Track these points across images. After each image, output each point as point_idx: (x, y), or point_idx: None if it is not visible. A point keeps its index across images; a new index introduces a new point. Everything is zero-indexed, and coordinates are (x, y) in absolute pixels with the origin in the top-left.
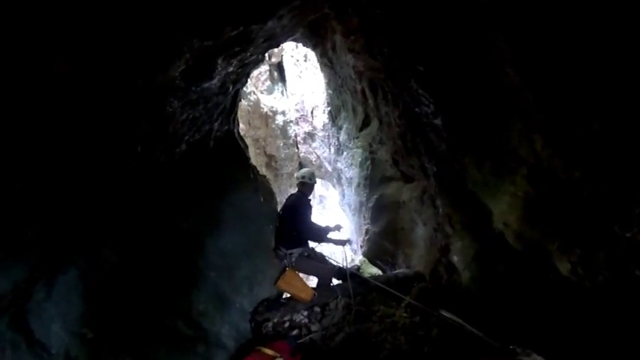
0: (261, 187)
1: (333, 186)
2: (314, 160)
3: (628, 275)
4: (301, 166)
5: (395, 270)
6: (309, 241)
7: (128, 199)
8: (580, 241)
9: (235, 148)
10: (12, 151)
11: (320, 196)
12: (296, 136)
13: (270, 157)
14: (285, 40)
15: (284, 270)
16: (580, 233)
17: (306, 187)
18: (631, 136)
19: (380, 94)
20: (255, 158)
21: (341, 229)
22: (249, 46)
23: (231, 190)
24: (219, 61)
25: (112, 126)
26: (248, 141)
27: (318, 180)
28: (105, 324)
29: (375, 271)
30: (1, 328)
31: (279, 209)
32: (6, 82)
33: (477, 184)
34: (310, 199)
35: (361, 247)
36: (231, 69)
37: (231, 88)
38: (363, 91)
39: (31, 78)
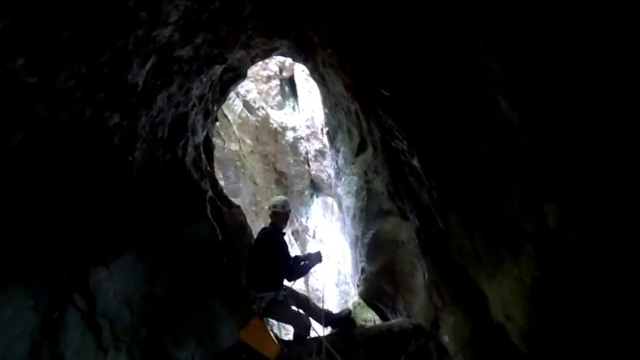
0: (231, 221)
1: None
2: (325, 178)
3: None
4: (312, 183)
5: (396, 317)
6: (286, 281)
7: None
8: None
9: (185, 180)
10: None
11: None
12: (307, 153)
13: (281, 174)
14: (265, 56)
15: (251, 317)
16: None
17: (279, 217)
18: None
19: (372, 116)
20: (264, 175)
21: (321, 257)
22: None
23: (177, 227)
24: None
25: None
26: (255, 157)
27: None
28: None
29: (370, 316)
30: None
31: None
32: None
33: (466, 257)
34: (285, 232)
35: (357, 286)
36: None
37: (166, 116)
38: (357, 112)
39: None
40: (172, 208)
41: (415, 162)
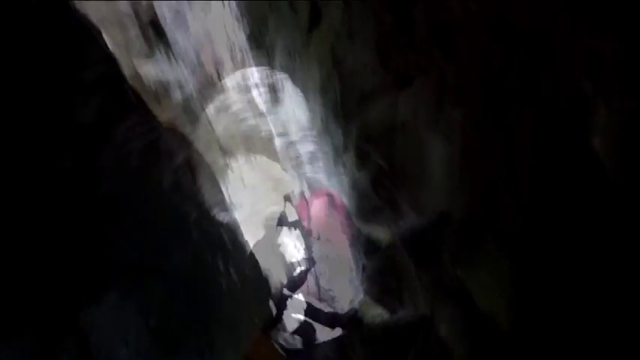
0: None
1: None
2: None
3: None
4: None
5: (402, 308)
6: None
7: None
8: None
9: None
10: None
11: None
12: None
13: None
14: None
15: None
16: None
17: None
18: None
19: None
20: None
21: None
22: None
23: (167, 254)
24: None
25: None
26: None
27: None
28: None
29: (379, 311)
30: None
31: None
32: None
33: None
34: None
35: (362, 283)
36: None
37: None
38: None
39: None
40: (159, 236)
41: None
